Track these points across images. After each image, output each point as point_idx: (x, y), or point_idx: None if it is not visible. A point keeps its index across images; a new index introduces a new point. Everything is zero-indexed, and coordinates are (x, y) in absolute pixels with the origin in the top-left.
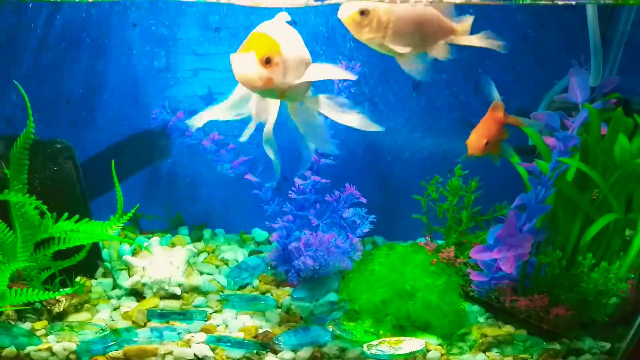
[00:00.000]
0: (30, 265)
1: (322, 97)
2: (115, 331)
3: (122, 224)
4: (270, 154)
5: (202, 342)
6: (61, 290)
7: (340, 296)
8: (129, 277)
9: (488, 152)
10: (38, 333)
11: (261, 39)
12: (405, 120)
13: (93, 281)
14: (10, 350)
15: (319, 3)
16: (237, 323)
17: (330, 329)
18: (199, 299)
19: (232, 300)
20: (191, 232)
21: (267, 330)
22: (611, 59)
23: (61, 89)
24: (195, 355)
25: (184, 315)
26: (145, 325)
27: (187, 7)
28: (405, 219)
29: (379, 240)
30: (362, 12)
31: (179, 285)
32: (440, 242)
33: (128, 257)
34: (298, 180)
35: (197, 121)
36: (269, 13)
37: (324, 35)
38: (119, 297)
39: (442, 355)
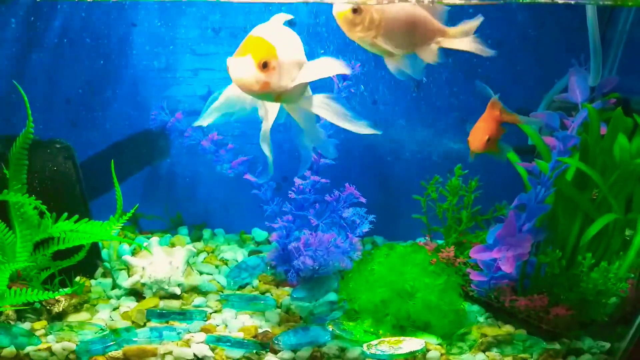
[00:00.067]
0: (29, 265)
1: (317, 98)
2: (114, 331)
3: (122, 224)
4: (267, 152)
5: (201, 342)
6: (61, 290)
7: (340, 296)
8: (129, 277)
9: (489, 149)
10: (37, 333)
11: (258, 43)
12: (405, 120)
13: (92, 281)
14: (10, 350)
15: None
16: (237, 323)
17: (330, 329)
18: (198, 299)
19: (231, 300)
20: (191, 232)
21: (266, 330)
22: (610, 59)
23: (61, 89)
24: (194, 355)
25: (183, 315)
26: (144, 325)
27: (187, 6)
28: (405, 218)
29: (379, 240)
30: (355, 10)
31: (179, 285)
32: (440, 241)
33: (128, 257)
34: (298, 180)
35: (205, 121)
36: (268, 13)
37: (325, 35)
38: (118, 297)
39: (441, 355)
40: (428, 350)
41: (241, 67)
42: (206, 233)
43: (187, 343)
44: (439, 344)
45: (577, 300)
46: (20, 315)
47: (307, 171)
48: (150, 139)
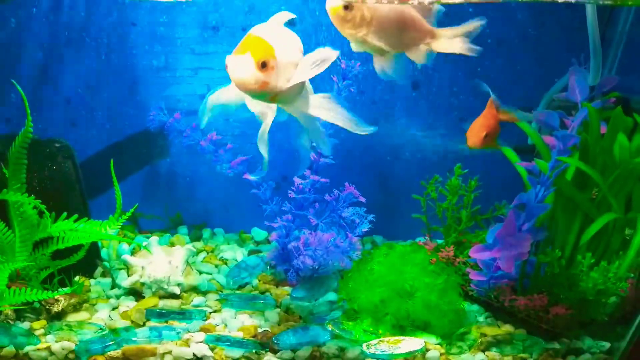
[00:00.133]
0: (28, 264)
1: (313, 99)
2: (114, 331)
3: (121, 224)
4: (263, 152)
5: (201, 342)
6: (60, 289)
7: (340, 295)
8: (128, 276)
9: (486, 145)
10: (37, 332)
11: (257, 43)
12: (405, 120)
13: (92, 280)
14: (9, 349)
15: None
16: (236, 322)
17: (330, 329)
18: (198, 299)
19: (231, 300)
20: (190, 232)
21: (266, 330)
22: (610, 58)
23: (60, 89)
24: (194, 354)
25: (183, 314)
26: (144, 324)
27: (187, 6)
28: (404, 218)
29: (378, 240)
30: (346, 7)
31: (178, 284)
32: (439, 241)
33: (127, 257)
34: (297, 180)
35: (203, 121)
36: (267, 13)
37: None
38: (117, 297)
39: (441, 354)
40: (427, 350)
41: (240, 65)
42: (206, 232)
43: (187, 343)
44: (438, 344)
45: (577, 300)
46: (20, 315)
47: (307, 170)
48: (149, 138)
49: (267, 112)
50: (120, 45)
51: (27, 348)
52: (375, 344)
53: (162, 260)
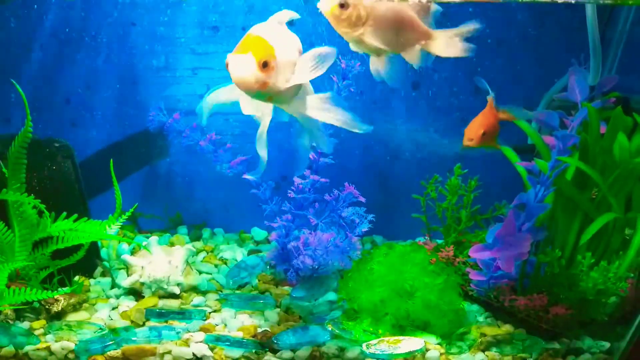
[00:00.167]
0: (28, 264)
1: (309, 99)
2: (113, 330)
3: (121, 223)
4: (262, 153)
5: (200, 342)
6: (60, 289)
7: (339, 295)
8: (128, 276)
9: (484, 144)
10: (36, 332)
11: (258, 42)
12: (405, 119)
13: (92, 280)
14: (9, 349)
15: None
16: (236, 322)
17: (329, 328)
18: (197, 298)
19: (231, 300)
20: (190, 232)
21: (266, 330)
22: (610, 58)
23: (60, 89)
24: (194, 354)
25: (182, 314)
26: (143, 324)
27: (187, 6)
28: (404, 218)
29: (378, 240)
30: (342, 5)
31: (178, 284)
32: (439, 241)
33: (127, 257)
34: (297, 179)
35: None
36: (267, 12)
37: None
38: (117, 297)
39: (441, 354)
40: (427, 350)
41: (242, 64)
42: (205, 232)
43: (186, 342)
44: (438, 344)
45: (577, 300)
46: (19, 315)
47: (307, 170)
48: (149, 138)
49: (264, 113)
50: (120, 45)
51: (27, 348)
52: (375, 344)
53: (161, 260)
